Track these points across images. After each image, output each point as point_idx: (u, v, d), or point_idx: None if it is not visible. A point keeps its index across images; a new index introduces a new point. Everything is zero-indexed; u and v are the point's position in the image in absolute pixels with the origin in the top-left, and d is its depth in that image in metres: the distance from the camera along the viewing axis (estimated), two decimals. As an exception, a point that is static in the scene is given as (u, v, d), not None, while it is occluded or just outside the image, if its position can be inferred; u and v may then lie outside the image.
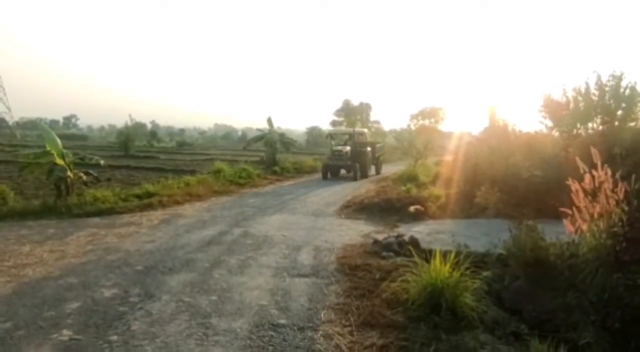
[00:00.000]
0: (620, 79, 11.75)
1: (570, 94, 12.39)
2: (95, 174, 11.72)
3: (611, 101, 11.87)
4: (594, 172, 4.98)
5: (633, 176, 5.02)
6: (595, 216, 4.98)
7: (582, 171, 5.06)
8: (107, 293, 4.86)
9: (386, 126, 61.16)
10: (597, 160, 5.02)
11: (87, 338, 3.78)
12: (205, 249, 6.89)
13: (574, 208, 5.05)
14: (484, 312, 4.50)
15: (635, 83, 11.42)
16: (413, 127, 52.54)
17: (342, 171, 20.93)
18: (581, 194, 5.03)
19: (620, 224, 4.87)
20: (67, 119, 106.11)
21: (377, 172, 22.46)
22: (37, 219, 8.98)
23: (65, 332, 3.89)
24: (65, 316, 4.22)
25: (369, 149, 21.74)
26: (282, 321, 4.28)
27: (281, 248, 7.07)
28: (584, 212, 5.00)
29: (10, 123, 68.60)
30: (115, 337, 3.80)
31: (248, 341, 3.83)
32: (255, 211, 10.66)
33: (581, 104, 12.18)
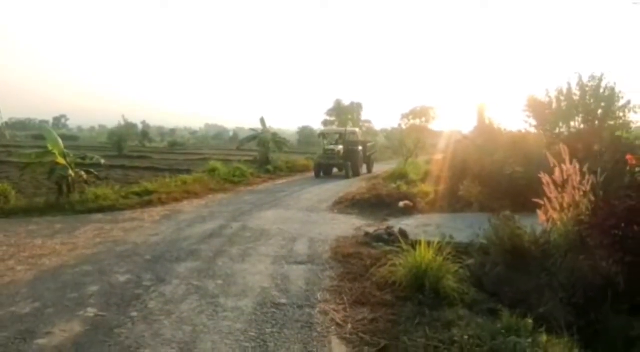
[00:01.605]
0: (600, 80, 12.26)
1: (553, 95, 12.92)
2: (96, 173, 12.10)
3: (592, 101, 12.38)
4: (563, 167, 5.52)
5: (599, 170, 5.57)
6: (564, 205, 5.51)
7: (552, 165, 5.59)
8: (122, 278, 5.31)
9: (378, 125, 61.63)
10: (566, 156, 5.55)
11: (110, 314, 4.24)
12: (208, 241, 7.34)
13: (545, 199, 5.58)
14: (465, 293, 5.01)
15: (615, 84, 11.97)
16: (404, 127, 52.98)
17: (335, 170, 21.37)
18: (552, 186, 5.56)
19: (587, 212, 5.42)
20: (57, 120, 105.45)
21: (369, 170, 22.96)
22: (42, 216, 9.33)
23: (90, 310, 4.34)
24: (87, 297, 4.67)
25: (360, 148, 22.19)
26: (283, 301, 4.76)
27: (278, 240, 7.54)
28: (554, 203, 5.53)
29: (0, 124, 68.12)
30: (135, 314, 4.27)
31: (253, 316, 4.31)
32: (251, 207, 11.11)
33: (563, 104, 12.70)
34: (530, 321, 3.91)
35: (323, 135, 24.88)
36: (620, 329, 4.31)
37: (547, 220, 5.62)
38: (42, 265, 5.80)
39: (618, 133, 6.16)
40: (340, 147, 21.24)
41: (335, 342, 3.85)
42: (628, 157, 4.85)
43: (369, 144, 24.08)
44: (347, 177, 19.94)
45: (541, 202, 5.62)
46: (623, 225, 4.74)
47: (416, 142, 26.59)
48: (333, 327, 4.13)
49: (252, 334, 3.93)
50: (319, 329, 4.09)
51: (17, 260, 5.99)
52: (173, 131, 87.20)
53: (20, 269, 5.59)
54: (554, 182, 5.58)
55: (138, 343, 3.67)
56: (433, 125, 33.47)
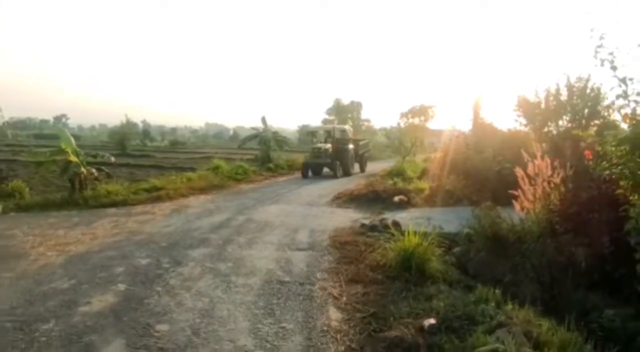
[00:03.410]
0: (587, 81, 12.89)
1: (542, 95, 13.56)
2: (107, 171, 12.75)
3: (578, 101, 13.02)
4: (535, 161, 6.18)
5: (568, 164, 6.23)
6: (537, 196, 6.18)
7: (525, 160, 6.25)
8: (143, 262, 5.99)
9: (377, 124, 62.22)
10: (538, 152, 6.21)
11: (138, 289, 4.92)
12: (216, 231, 8.01)
13: (519, 190, 6.25)
14: (449, 274, 5.67)
15: (601, 85, 12.60)
16: (403, 125, 53.50)
17: (326, 169, 20.61)
18: (525, 179, 6.23)
19: (556, 202, 6.08)
20: (58, 119, 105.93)
21: (362, 169, 22.56)
22: (59, 210, 9.98)
23: (120, 285, 5.03)
24: (116, 276, 5.35)
25: (351, 146, 21.72)
26: (287, 279, 5.44)
27: (281, 230, 8.22)
28: (528, 194, 6.19)
29: (1, 123, 68.50)
30: (159, 288, 4.95)
31: (261, 291, 4.99)
32: (254, 202, 11.78)
33: (552, 104, 13.34)
34: (497, 291, 4.57)
35: (312, 133, 24.31)
36: (577, 302, 4.97)
37: (522, 209, 6.28)
38: (70, 251, 6.47)
39: (575, 132, 6.80)
40: (329, 145, 20.62)
41: (332, 310, 4.52)
42: (586, 152, 5.50)
43: (361, 142, 23.57)
44: (335, 176, 19.53)
45: (516, 193, 6.28)
46: (584, 212, 5.41)
47: (414, 141, 27.19)
48: (330, 300, 4.80)
49: (261, 304, 4.61)
50: (318, 301, 4.76)
51: (46, 247, 6.65)
52: (174, 130, 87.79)
53: (51, 254, 6.26)
54: (528, 176, 6.24)
55: (165, 310, 4.34)
56: (432, 124, 33.94)
